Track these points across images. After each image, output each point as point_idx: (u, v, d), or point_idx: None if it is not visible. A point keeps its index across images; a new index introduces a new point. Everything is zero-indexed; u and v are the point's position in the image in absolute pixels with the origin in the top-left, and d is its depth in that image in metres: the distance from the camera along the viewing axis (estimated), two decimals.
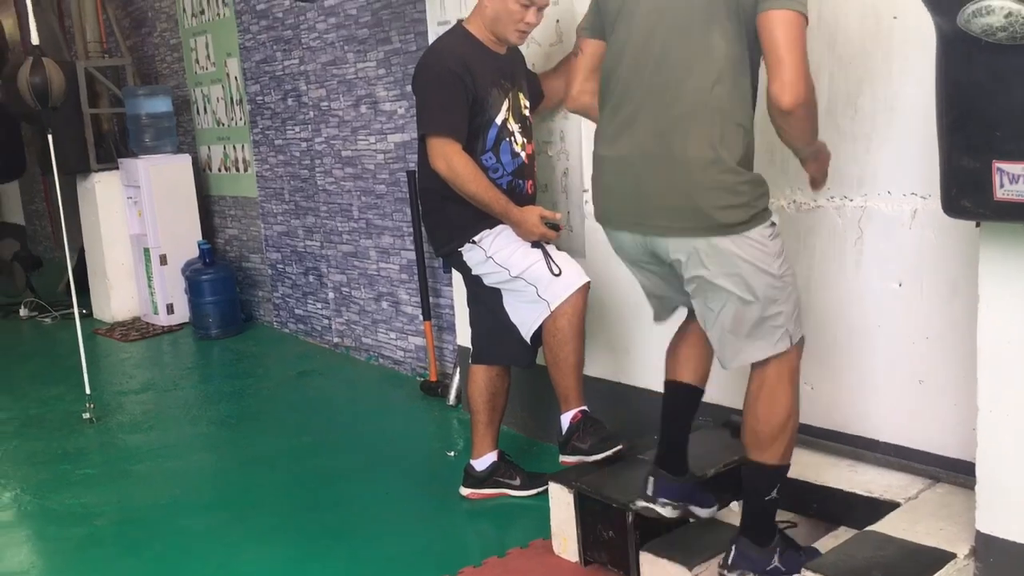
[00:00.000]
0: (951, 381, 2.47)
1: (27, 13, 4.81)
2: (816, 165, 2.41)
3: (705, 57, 2.18)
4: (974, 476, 2.16)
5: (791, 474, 2.44)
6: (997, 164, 1.80)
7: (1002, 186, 1.80)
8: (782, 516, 2.51)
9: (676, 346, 2.61)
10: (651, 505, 2.54)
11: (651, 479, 2.56)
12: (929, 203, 2.46)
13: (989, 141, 1.80)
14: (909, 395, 2.60)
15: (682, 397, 2.59)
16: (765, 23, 2.10)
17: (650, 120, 2.25)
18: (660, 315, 2.60)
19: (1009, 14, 1.65)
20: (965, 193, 1.87)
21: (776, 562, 2.34)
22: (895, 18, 2.46)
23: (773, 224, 2.27)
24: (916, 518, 2.35)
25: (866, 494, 2.51)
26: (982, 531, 2.14)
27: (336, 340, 5.43)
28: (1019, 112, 1.75)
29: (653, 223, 2.28)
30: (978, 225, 2.01)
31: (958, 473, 2.45)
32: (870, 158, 2.59)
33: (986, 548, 2.14)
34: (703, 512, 2.62)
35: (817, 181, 2.47)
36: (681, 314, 2.57)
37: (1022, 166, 1.76)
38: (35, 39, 4.65)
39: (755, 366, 2.32)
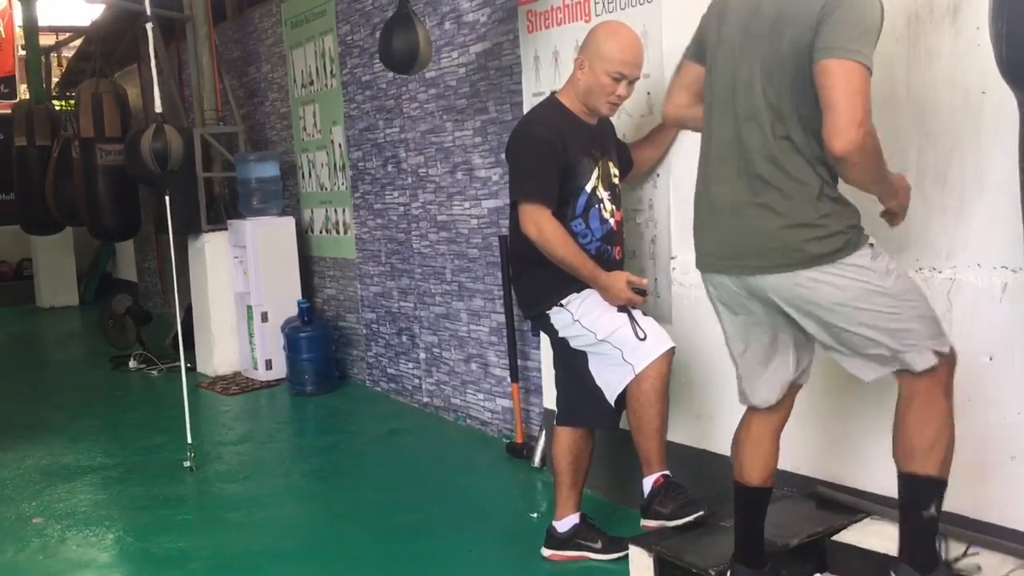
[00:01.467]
0: None
1: (151, 83, 5.18)
2: (896, 201, 2.42)
3: (766, 109, 2.26)
4: None
5: (871, 546, 2.42)
6: None
7: None
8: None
9: (741, 444, 2.61)
10: None
11: (728, 573, 2.58)
12: (1020, 276, 2.45)
13: None
14: (1002, 471, 2.54)
15: (752, 499, 2.60)
16: (820, 71, 2.15)
17: (734, 162, 2.35)
18: (747, 396, 2.59)
19: None
20: None
21: None
22: (983, 93, 2.48)
23: (872, 245, 2.30)
24: None
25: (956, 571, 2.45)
26: None
27: (426, 400, 5.55)
28: None
29: (747, 263, 2.34)
30: None
31: None
32: (959, 230, 2.59)
33: None
34: None
35: (896, 216, 2.46)
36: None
37: None
38: (158, 107, 4.99)
39: (904, 380, 2.32)
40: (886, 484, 2.75)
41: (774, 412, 2.56)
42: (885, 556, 2.55)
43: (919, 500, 2.30)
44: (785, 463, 3.10)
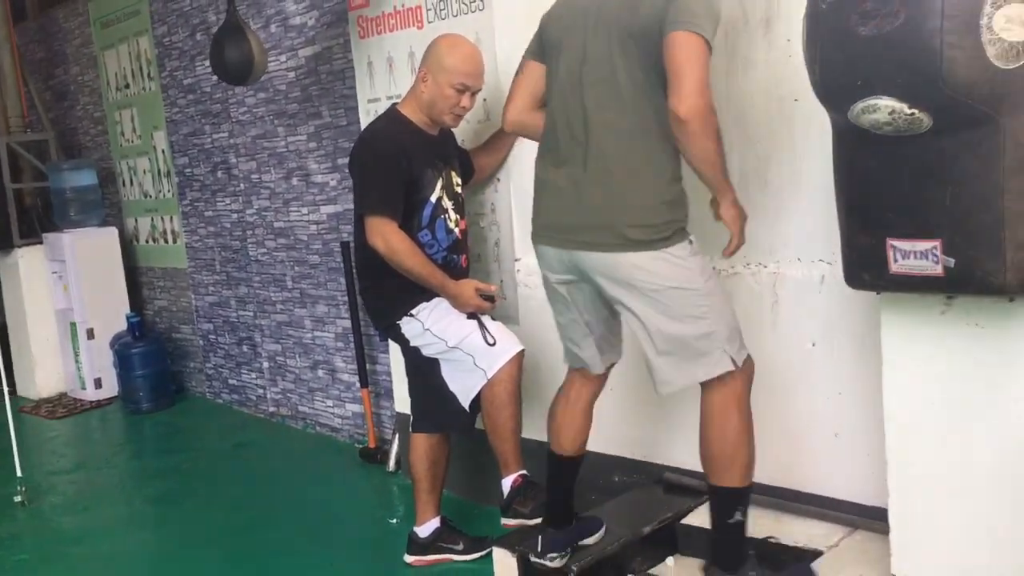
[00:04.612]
0: (865, 434, 2.64)
1: None
2: (732, 213, 2.47)
3: (624, 87, 2.36)
4: (888, 523, 2.33)
5: None
6: (890, 241, 1.99)
7: (896, 260, 1.99)
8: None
9: (555, 412, 2.78)
10: (542, 561, 2.71)
11: (540, 538, 2.74)
12: (835, 269, 2.64)
13: (882, 221, 1.99)
14: (827, 448, 2.77)
15: (563, 467, 2.78)
16: (667, 43, 2.27)
17: (580, 138, 2.43)
18: (571, 361, 2.75)
19: (892, 111, 1.85)
20: (864, 267, 2.07)
21: None
22: (796, 100, 2.67)
23: (691, 242, 2.42)
24: (839, 565, 2.51)
25: (791, 543, 2.65)
26: (897, 574, 2.31)
27: (272, 409, 5.44)
28: (906, 195, 1.95)
29: (578, 239, 2.44)
30: (879, 292, 2.21)
31: (875, 520, 2.60)
32: (780, 228, 2.79)
33: None
34: (592, 539, 2.76)
35: (733, 241, 2.51)
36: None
37: (912, 243, 1.96)
38: None
39: (704, 390, 2.45)
40: None
41: (591, 381, 2.73)
42: None
43: (725, 509, 2.47)
44: (635, 453, 3.28)
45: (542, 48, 2.64)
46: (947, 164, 1.87)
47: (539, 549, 2.72)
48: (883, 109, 1.86)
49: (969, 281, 1.91)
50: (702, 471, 3.01)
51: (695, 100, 2.23)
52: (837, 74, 1.92)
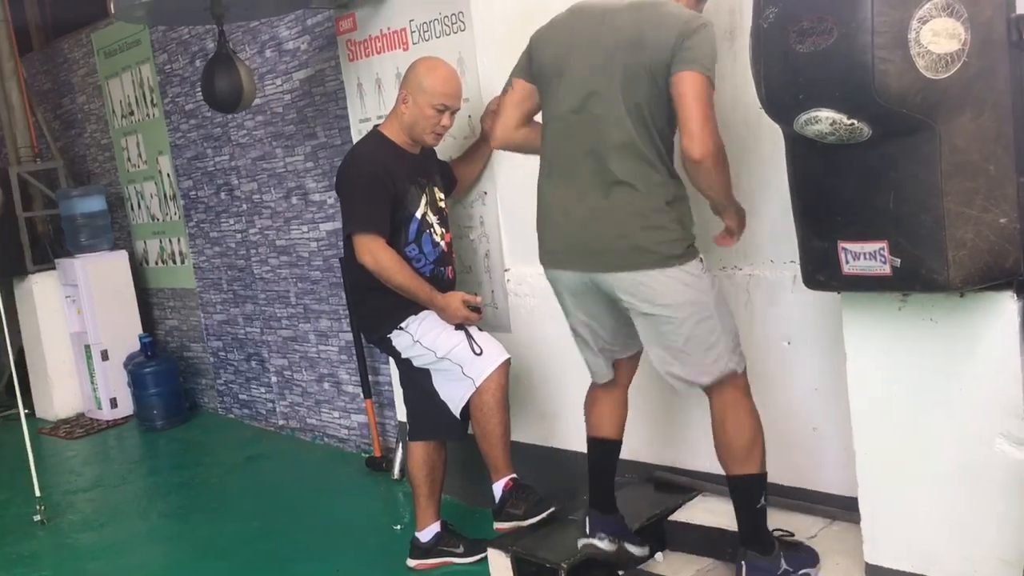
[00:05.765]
0: (840, 427, 2.73)
1: None
2: (736, 220, 2.66)
3: (631, 115, 2.47)
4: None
5: (702, 521, 2.69)
6: (841, 244, 2.09)
7: (847, 262, 2.10)
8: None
9: (591, 403, 2.90)
10: (591, 540, 2.80)
11: (587, 519, 2.84)
12: None
13: (833, 224, 2.10)
14: (805, 442, 2.87)
15: (605, 451, 2.89)
16: (676, 82, 2.40)
17: (588, 165, 2.55)
18: (598, 373, 2.85)
19: (833, 122, 1.96)
20: (819, 269, 2.17)
21: (785, 565, 2.56)
22: (760, 109, 2.76)
23: (701, 260, 2.57)
24: None
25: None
26: (869, 562, 2.41)
27: (281, 422, 5.57)
28: (853, 199, 2.05)
29: (599, 260, 2.55)
30: (837, 292, 2.31)
31: (851, 511, 2.70)
32: (752, 231, 2.87)
33: None
34: (637, 550, 2.86)
35: (733, 234, 2.68)
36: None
37: (861, 245, 2.06)
38: None
39: (713, 394, 2.59)
40: (713, 463, 3.05)
41: (622, 368, 2.85)
42: (716, 530, 2.85)
43: (750, 496, 2.60)
44: (626, 453, 3.37)
45: (533, 69, 2.72)
46: (889, 169, 1.98)
47: (587, 531, 2.82)
48: (824, 120, 1.96)
49: (915, 279, 2.01)
50: (688, 467, 3.14)
51: (707, 140, 2.37)
52: (780, 88, 2.02)
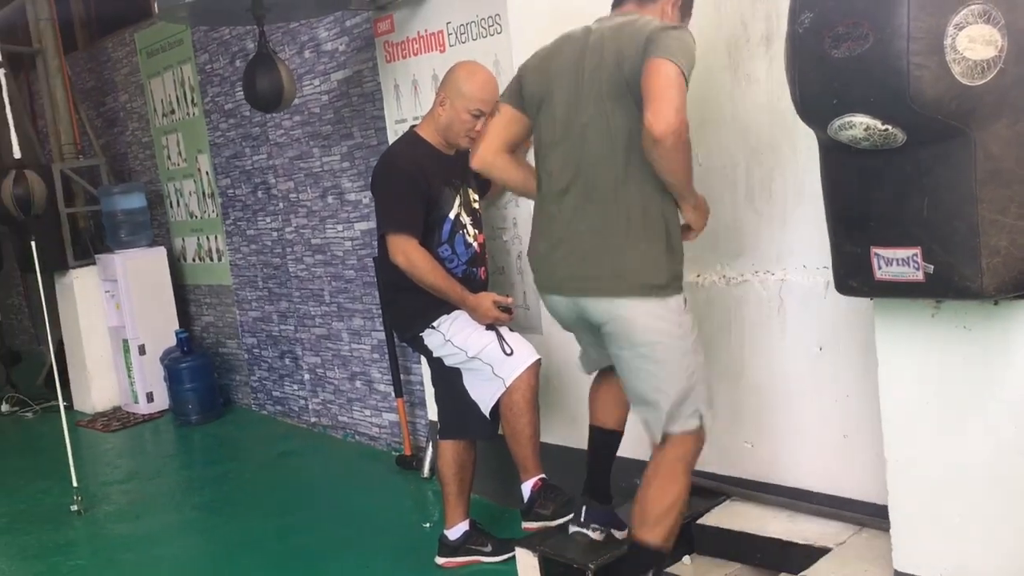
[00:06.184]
0: (872, 434, 2.71)
1: (7, 125, 5.05)
2: (695, 215, 2.62)
3: (621, 139, 2.47)
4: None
5: (730, 526, 2.69)
6: (874, 249, 2.09)
7: (880, 268, 2.09)
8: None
9: (595, 392, 2.94)
10: (583, 530, 2.86)
11: (583, 507, 2.88)
12: None
13: (865, 230, 2.09)
14: (837, 449, 2.86)
15: (605, 441, 2.92)
16: (644, 69, 2.37)
17: (578, 190, 2.56)
18: (587, 367, 2.91)
19: (868, 128, 1.96)
20: (852, 274, 2.17)
21: None
22: (796, 113, 2.77)
23: (686, 300, 2.55)
24: (844, 561, 2.60)
25: (802, 542, 2.75)
26: (899, 570, 2.39)
27: (313, 420, 5.63)
28: (887, 205, 2.04)
29: (584, 286, 2.57)
30: (871, 298, 2.30)
31: (882, 518, 2.68)
32: (786, 237, 2.89)
33: None
34: (620, 534, 2.88)
35: (694, 231, 2.66)
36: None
37: (894, 251, 2.05)
38: (17, 153, 4.90)
39: (661, 444, 2.56)
40: (743, 468, 3.06)
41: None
42: (743, 534, 2.85)
43: (638, 566, 2.57)
44: None
45: (522, 98, 2.74)
46: (923, 175, 1.97)
47: (582, 519, 2.86)
48: (859, 126, 1.96)
49: (948, 286, 2.00)
50: (717, 472, 3.13)
51: (670, 119, 2.30)
52: (815, 94, 2.02)
